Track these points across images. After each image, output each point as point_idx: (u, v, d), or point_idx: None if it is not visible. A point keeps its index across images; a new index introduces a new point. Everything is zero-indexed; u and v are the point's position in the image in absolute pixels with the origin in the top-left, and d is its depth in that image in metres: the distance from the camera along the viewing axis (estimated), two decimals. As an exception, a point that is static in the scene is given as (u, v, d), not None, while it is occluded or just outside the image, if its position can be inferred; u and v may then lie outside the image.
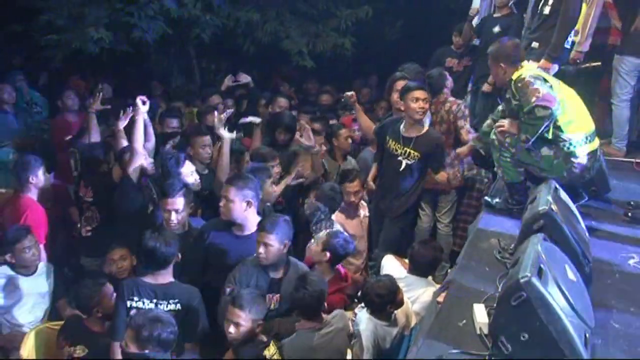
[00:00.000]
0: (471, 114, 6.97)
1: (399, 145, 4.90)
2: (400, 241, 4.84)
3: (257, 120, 5.30)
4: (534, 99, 3.67)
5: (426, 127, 4.86)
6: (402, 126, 4.90)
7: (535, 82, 3.69)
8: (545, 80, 3.73)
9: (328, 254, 3.87)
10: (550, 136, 3.76)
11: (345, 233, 4.22)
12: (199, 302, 3.41)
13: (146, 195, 4.38)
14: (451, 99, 5.41)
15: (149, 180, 4.44)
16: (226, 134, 4.67)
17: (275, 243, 3.41)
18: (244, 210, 3.66)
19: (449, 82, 5.48)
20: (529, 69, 3.83)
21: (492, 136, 4.04)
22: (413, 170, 4.87)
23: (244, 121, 5.33)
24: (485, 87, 6.26)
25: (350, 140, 5.74)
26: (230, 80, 6.83)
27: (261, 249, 3.41)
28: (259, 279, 3.48)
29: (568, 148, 3.75)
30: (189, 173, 4.42)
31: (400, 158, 4.90)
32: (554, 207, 3.01)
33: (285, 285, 3.48)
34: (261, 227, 3.45)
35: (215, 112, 5.07)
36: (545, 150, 3.82)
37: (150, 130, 4.77)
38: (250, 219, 3.70)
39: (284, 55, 7.70)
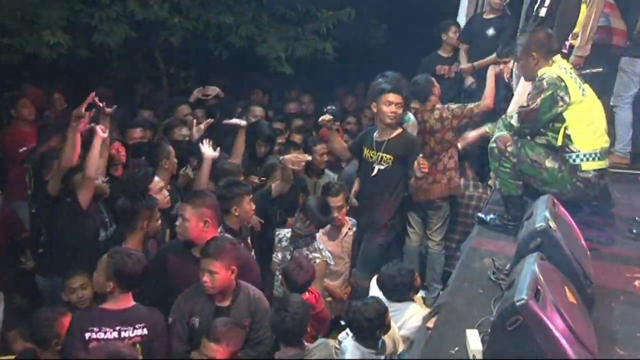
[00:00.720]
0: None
1: (372, 152, 4.97)
2: (380, 260, 4.85)
3: (242, 122, 5.30)
4: (524, 104, 3.80)
5: (399, 130, 4.89)
6: (375, 132, 4.94)
7: (547, 89, 3.78)
8: (565, 87, 3.79)
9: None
10: (559, 143, 3.81)
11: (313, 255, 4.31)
12: (164, 325, 3.41)
13: (97, 220, 4.34)
14: (439, 105, 5.45)
15: (100, 203, 4.40)
16: (208, 152, 4.66)
17: (221, 270, 3.39)
18: (202, 230, 3.66)
19: (437, 88, 5.53)
20: (555, 69, 3.88)
21: (492, 144, 4.08)
22: (388, 177, 4.92)
23: (228, 122, 5.33)
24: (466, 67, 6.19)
25: (325, 158, 5.76)
26: (199, 93, 6.85)
27: (206, 277, 3.40)
28: (204, 308, 3.47)
29: (574, 160, 3.81)
30: (158, 189, 4.40)
31: (374, 165, 4.92)
32: (552, 223, 3.04)
33: (234, 313, 3.47)
34: (204, 252, 3.42)
35: (194, 122, 5.05)
36: (549, 162, 3.87)
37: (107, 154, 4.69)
38: (206, 239, 3.65)
39: (260, 61, 7.69)
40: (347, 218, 5.19)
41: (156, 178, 4.48)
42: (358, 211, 5.27)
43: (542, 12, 4.81)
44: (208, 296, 3.47)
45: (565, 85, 3.80)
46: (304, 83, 8.62)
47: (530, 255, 2.76)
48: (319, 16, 7.85)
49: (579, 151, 3.80)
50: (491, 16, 6.67)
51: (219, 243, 3.45)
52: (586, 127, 3.84)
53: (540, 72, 3.92)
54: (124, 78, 7.53)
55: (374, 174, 5.00)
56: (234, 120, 5.36)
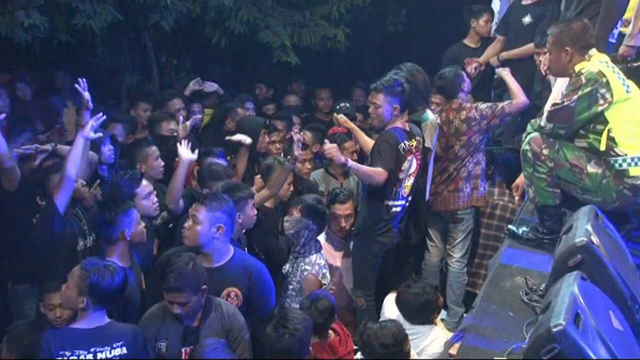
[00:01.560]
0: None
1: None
2: (366, 273, 4.92)
3: (247, 140, 5.34)
4: (557, 101, 3.81)
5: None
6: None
7: (585, 85, 3.75)
8: (607, 83, 3.75)
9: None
10: (602, 147, 3.78)
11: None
12: (144, 342, 3.45)
13: (75, 227, 4.34)
14: (467, 104, 5.42)
15: (79, 209, 4.39)
16: (185, 154, 4.65)
17: (189, 298, 3.45)
18: (213, 236, 3.76)
19: (466, 84, 5.51)
20: (594, 64, 3.85)
21: (525, 146, 4.04)
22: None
23: (231, 139, 5.37)
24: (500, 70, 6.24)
25: (308, 166, 5.76)
26: (195, 85, 6.85)
27: (176, 309, 3.46)
28: (171, 330, 3.53)
29: (620, 165, 3.78)
30: (145, 195, 4.42)
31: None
32: (594, 238, 3.03)
33: (205, 333, 3.51)
34: (167, 286, 3.45)
35: (181, 119, 5.05)
36: (591, 167, 3.84)
37: (91, 155, 4.69)
38: (220, 247, 3.81)
39: (262, 49, 7.67)
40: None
41: (144, 182, 4.49)
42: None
43: None
44: (174, 316, 3.52)
45: (607, 81, 3.77)
46: (312, 75, 8.60)
47: (569, 274, 2.75)
48: (329, 0, 7.81)
49: (625, 155, 3.77)
50: (529, 2, 6.64)
51: (180, 271, 3.44)
52: (633, 128, 3.82)
53: (577, 67, 3.89)
54: (109, 67, 7.52)
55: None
56: (238, 137, 5.39)
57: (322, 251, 4.70)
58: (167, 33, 7.04)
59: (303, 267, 4.56)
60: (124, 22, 6.49)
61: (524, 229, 4.32)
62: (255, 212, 4.39)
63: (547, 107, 4.14)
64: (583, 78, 3.80)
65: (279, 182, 4.88)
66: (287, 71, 8.54)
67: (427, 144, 5.11)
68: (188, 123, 5.07)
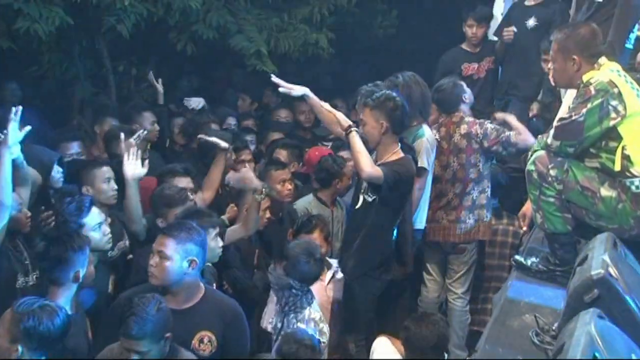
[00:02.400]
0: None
1: None
2: (362, 316, 4.89)
3: (222, 143, 5.31)
4: (565, 115, 3.83)
5: (400, 154, 4.81)
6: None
7: (595, 97, 3.76)
8: (619, 94, 3.76)
9: None
10: (617, 167, 3.78)
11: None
12: None
13: (13, 262, 4.21)
14: (469, 119, 5.44)
15: (20, 241, 4.29)
16: (130, 169, 4.63)
17: (150, 347, 3.42)
18: (185, 272, 3.70)
19: (467, 95, 5.53)
20: (605, 73, 3.86)
21: (531, 166, 4.04)
22: (371, 213, 4.86)
23: (206, 140, 5.36)
24: (535, 109, 6.27)
25: (289, 187, 5.73)
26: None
27: (134, 355, 3.41)
28: None
29: (638, 188, 3.78)
30: (95, 226, 4.35)
31: (360, 194, 4.91)
32: (612, 270, 3.03)
33: None
34: (125, 331, 3.41)
35: (122, 136, 5.00)
36: (605, 190, 3.84)
37: (27, 171, 4.59)
38: (190, 285, 3.77)
39: (235, 57, 7.65)
40: (329, 260, 5.15)
41: (95, 211, 4.42)
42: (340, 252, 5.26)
43: None
44: None
45: (620, 92, 3.78)
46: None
47: (585, 311, 2.75)
48: (311, 0, 7.85)
49: None
50: (533, 2, 6.69)
51: (144, 316, 3.38)
52: None
53: (585, 77, 3.90)
54: (58, 77, 7.47)
55: (357, 206, 4.95)
56: (213, 139, 5.32)
57: (314, 301, 4.61)
58: (125, 38, 7.01)
59: (295, 325, 4.45)
60: (74, 26, 6.46)
61: (533, 259, 4.30)
62: (221, 243, 4.36)
63: (555, 122, 4.14)
64: (592, 89, 3.81)
65: (253, 217, 4.82)
66: (263, 81, 8.53)
67: (422, 164, 5.08)
68: (132, 140, 4.98)
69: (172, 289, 3.74)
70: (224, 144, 5.33)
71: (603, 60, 3.94)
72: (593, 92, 3.80)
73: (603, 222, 3.86)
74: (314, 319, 4.51)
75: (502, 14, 7.23)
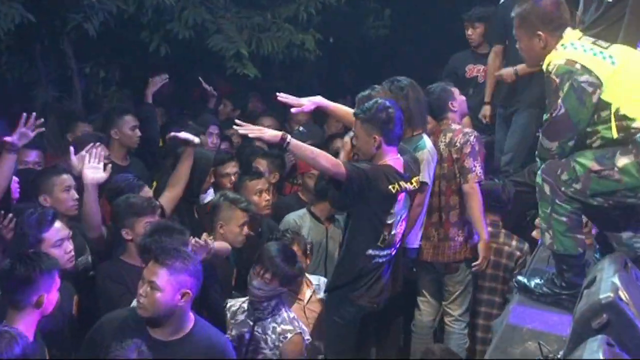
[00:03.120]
0: (498, 148, 7.08)
1: None
2: (340, 343, 4.88)
3: (195, 139, 5.31)
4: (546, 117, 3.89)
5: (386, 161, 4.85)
6: None
7: (562, 84, 3.80)
8: (583, 68, 3.80)
9: None
10: (614, 135, 3.83)
11: None
12: None
13: None
14: (455, 126, 5.49)
15: None
16: (90, 174, 4.67)
17: None
18: (177, 305, 3.66)
19: (458, 103, 5.56)
20: (560, 53, 3.90)
21: (538, 180, 4.06)
22: (348, 226, 4.94)
23: (177, 136, 5.32)
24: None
25: (267, 197, 5.74)
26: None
27: None
28: None
29: None
30: (57, 242, 4.33)
31: None
32: (623, 294, 3.02)
33: None
34: None
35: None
36: (620, 159, 3.84)
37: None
38: (180, 317, 3.72)
39: (214, 58, 7.68)
40: (308, 277, 5.18)
41: (57, 225, 4.38)
42: None
43: None
44: None
45: (582, 65, 3.81)
46: (274, 90, 8.60)
47: (593, 338, 2.74)
48: (296, -2, 7.92)
49: None
50: None
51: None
52: None
53: (544, 64, 3.94)
54: (18, 79, 7.46)
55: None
56: (184, 135, 5.31)
57: (285, 304, 4.67)
58: (93, 38, 7.01)
59: (280, 329, 4.47)
60: (36, 24, 6.45)
61: (538, 281, 4.29)
62: None
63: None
64: (554, 76, 3.84)
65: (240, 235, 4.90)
66: (245, 86, 8.57)
67: (423, 178, 5.12)
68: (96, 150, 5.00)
69: (160, 321, 3.71)
70: (196, 140, 5.30)
71: (568, 31, 3.98)
72: (557, 79, 3.82)
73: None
74: (294, 318, 4.56)
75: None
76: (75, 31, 7.06)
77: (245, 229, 5.10)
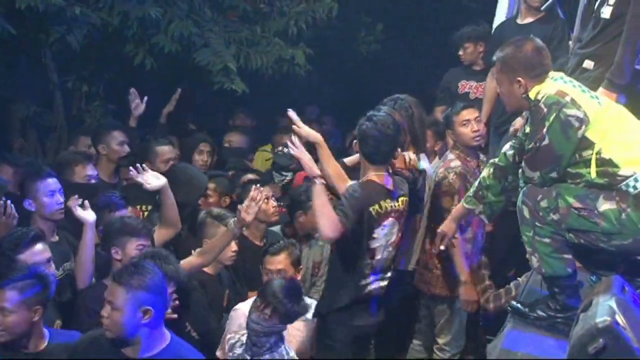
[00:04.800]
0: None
1: None
2: None
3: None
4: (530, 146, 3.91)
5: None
6: None
7: (550, 114, 3.82)
8: (572, 101, 3.83)
9: None
10: (592, 175, 3.85)
11: None
12: None
13: None
14: (451, 155, 5.54)
15: None
16: (86, 215, 4.73)
17: None
18: (139, 324, 3.64)
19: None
20: (550, 84, 3.95)
21: (519, 204, 4.07)
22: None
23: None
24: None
25: (273, 205, 5.75)
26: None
27: None
28: None
29: (635, 187, 3.80)
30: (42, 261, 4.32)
31: None
32: (620, 318, 3.03)
33: None
34: None
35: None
36: (603, 203, 3.85)
37: None
38: (150, 335, 3.70)
39: (201, 73, 7.67)
40: None
41: (39, 247, 4.37)
42: None
43: (606, 12, 4.83)
44: None
45: (572, 99, 3.84)
46: (263, 106, 8.63)
47: None
48: (286, 12, 7.95)
49: (634, 173, 3.79)
50: (529, 20, 6.74)
51: None
52: (626, 137, 3.88)
53: (532, 94, 3.96)
54: (-1, 91, 7.46)
55: None
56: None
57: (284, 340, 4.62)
58: (75, 51, 7.01)
59: None
60: (17, 36, 6.44)
61: (532, 305, 4.28)
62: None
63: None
64: (542, 105, 3.86)
65: (216, 249, 4.83)
66: (232, 101, 8.56)
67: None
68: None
69: (127, 341, 3.70)
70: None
71: (552, 74, 4.02)
72: (545, 109, 3.84)
73: (617, 240, 3.85)
74: (293, 356, 4.55)
75: (506, 16, 7.29)
76: (58, 44, 7.07)
77: (234, 245, 5.08)
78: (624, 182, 3.80)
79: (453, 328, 5.55)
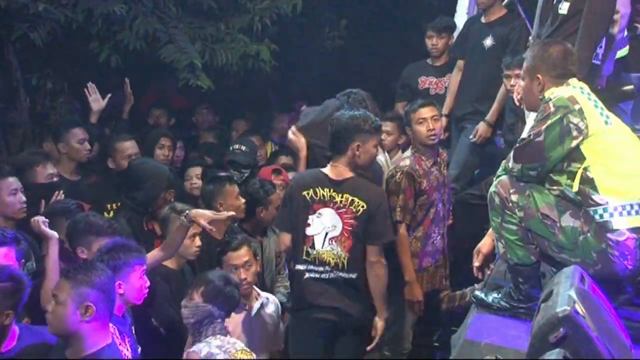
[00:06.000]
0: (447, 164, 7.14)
1: None
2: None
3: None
4: (524, 136, 3.93)
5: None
6: None
7: (555, 114, 3.85)
8: (581, 111, 3.84)
9: None
10: (574, 189, 3.85)
11: None
12: None
13: None
14: (407, 152, 5.57)
15: None
16: (49, 232, 4.61)
17: None
18: (79, 321, 3.58)
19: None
20: (566, 88, 3.97)
21: (493, 191, 4.11)
22: None
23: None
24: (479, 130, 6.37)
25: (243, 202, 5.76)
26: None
27: None
28: None
29: (601, 217, 3.82)
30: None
31: None
32: (579, 307, 3.04)
33: None
34: None
35: None
36: (567, 219, 3.88)
37: None
38: (92, 333, 3.62)
39: (166, 70, 7.62)
40: (256, 290, 5.19)
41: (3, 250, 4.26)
42: None
43: (564, 8, 4.89)
44: None
45: (581, 109, 3.85)
46: (228, 101, 8.59)
47: (550, 352, 2.80)
48: (251, 8, 7.90)
49: (606, 203, 3.80)
50: (493, 19, 6.79)
51: None
52: (616, 165, 3.88)
53: (547, 94, 3.99)
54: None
55: None
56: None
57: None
58: (39, 48, 6.93)
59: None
60: (-22, 32, 6.38)
61: (495, 295, 4.33)
62: (147, 282, 4.31)
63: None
64: (551, 105, 3.88)
65: (175, 241, 4.80)
66: (198, 97, 8.52)
67: None
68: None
69: (68, 340, 3.63)
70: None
71: (573, 81, 4.02)
72: (552, 108, 3.87)
73: (565, 254, 3.90)
74: (225, 345, 4.40)
75: (466, 13, 7.35)
76: (21, 41, 6.98)
77: (197, 240, 5.06)
78: (593, 208, 3.82)
79: (397, 327, 5.53)
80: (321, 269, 4.93)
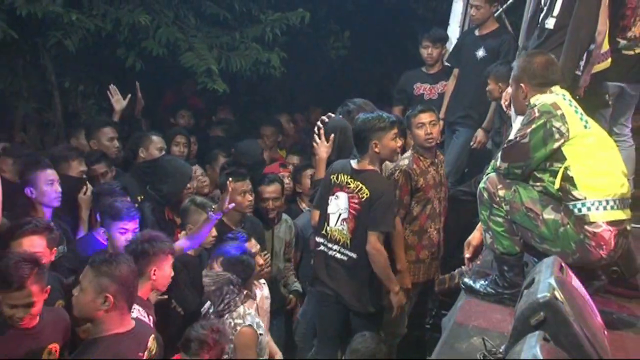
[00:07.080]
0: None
1: None
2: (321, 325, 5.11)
3: None
4: (511, 138, 3.94)
5: None
6: None
7: (539, 118, 3.88)
8: (562, 116, 3.87)
9: None
10: (556, 186, 3.88)
11: None
12: None
13: None
14: (407, 153, 5.56)
15: None
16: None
17: None
18: (97, 309, 3.49)
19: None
20: (549, 96, 4.00)
21: (482, 186, 4.15)
22: None
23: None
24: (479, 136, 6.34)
25: (249, 199, 5.71)
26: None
27: None
28: None
29: (580, 210, 3.84)
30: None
31: None
32: (558, 294, 3.05)
33: None
34: None
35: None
36: (548, 212, 3.92)
37: None
38: (104, 321, 3.52)
39: (185, 74, 7.63)
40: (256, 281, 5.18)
41: (28, 241, 4.18)
42: None
43: (550, 23, 4.85)
44: None
45: (563, 114, 3.89)
46: (240, 104, 8.61)
47: (531, 334, 2.77)
48: (263, 19, 7.91)
49: (584, 198, 3.84)
50: (485, 32, 6.80)
51: None
52: (594, 165, 3.91)
53: (532, 100, 4.03)
54: (1, 90, 7.33)
55: None
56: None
57: (249, 301, 4.68)
58: (72, 54, 6.95)
59: (233, 323, 4.50)
60: (18, 40, 6.39)
61: (482, 282, 4.35)
62: (171, 272, 4.28)
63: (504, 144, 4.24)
64: (536, 110, 3.93)
65: (201, 233, 4.81)
66: (214, 100, 8.54)
67: None
68: None
69: (90, 322, 3.57)
70: None
71: (556, 89, 4.06)
72: (537, 113, 3.91)
73: (547, 245, 3.94)
74: (250, 314, 4.58)
75: (457, 38, 7.37)
76: (56, 47, 6.99)
77: (214, 231, 5.09)
78: (573, 202, 3.85)
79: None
80: (331, 245, 5.05)
